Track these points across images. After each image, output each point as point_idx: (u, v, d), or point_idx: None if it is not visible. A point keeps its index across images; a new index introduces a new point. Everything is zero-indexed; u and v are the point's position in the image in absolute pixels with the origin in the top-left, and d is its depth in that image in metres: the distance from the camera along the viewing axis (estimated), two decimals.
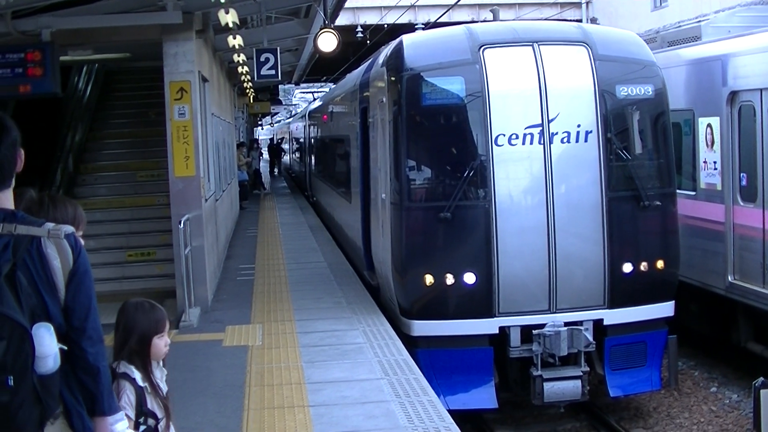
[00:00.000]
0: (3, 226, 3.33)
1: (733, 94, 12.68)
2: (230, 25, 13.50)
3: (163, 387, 4.79)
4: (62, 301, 3.39)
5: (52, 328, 3.28)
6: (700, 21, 15.64)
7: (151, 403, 4.60)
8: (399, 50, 12.01)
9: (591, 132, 11.33)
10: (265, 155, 59.34)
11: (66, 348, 3.36)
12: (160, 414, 4.65)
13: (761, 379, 9.01)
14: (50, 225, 3.43)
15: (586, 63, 11.53)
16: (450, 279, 11.18)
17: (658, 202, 11.59)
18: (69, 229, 3.47)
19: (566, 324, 11.01)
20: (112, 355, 4.47)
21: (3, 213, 3.38)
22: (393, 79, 11.92)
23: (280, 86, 46.10)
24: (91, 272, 3.49)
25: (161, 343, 4.75)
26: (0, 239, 3.30)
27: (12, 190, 3.48)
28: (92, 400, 3.48)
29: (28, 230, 3.36)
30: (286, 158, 56.01)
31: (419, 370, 9.86)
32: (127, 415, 4.21)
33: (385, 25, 32.83)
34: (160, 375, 4.80)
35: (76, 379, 3.43)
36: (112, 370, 4.36)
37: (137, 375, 4.58)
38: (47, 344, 3.24)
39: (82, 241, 3.58)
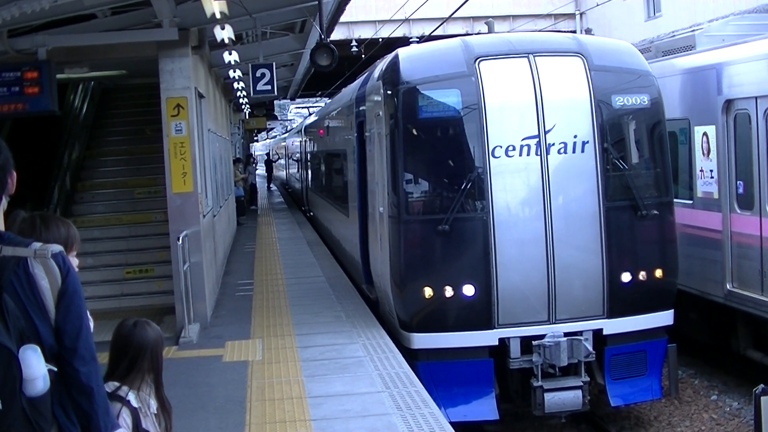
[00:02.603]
0: None
1: (728, 103, 12.72)
2: (226, 41, 13.52)
3: (153, 404, 4.76)
4: (53, 322, 3.32)
5: (39, 350, 3.22)
6: (694, 30, 15.67)
7: (146, 423, 4.56)
8: (395, 64, 12.03)
9: (588, 142, 11.34)
10: (261, 171, 59.34)
11: (55, 369, 3.31)
12: None
13: (761, 386, 8.98)
14: (37, 245, 3.35)
15: (581, 73, 11.56)
16: (449, 291, 11.18)
17: (656, 212, 11.60)
18: (56, 248, 3.40)
19: (566, 334, 11.02)
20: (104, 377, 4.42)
21: None
22: (389, 92, 11.94)
23: (275, 101, 46.16)
24: (81, 291, 3.42)
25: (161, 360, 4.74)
26: None
27: (2, 212, 3.43)
28: (87, 420, 3.41)
29: (14, 251, 3.29)
30: (276, 172, 56.08)
31: (420, 383, 9.87)
32: None
33: (380, 39, 32.95)
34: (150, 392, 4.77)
35: (71, 399, 3.37)
36: (110, 393, 4.30)
37: (131, 396, 4.53)
38: (35, 366, 3.19)
39: (77, 261, 3.54)
